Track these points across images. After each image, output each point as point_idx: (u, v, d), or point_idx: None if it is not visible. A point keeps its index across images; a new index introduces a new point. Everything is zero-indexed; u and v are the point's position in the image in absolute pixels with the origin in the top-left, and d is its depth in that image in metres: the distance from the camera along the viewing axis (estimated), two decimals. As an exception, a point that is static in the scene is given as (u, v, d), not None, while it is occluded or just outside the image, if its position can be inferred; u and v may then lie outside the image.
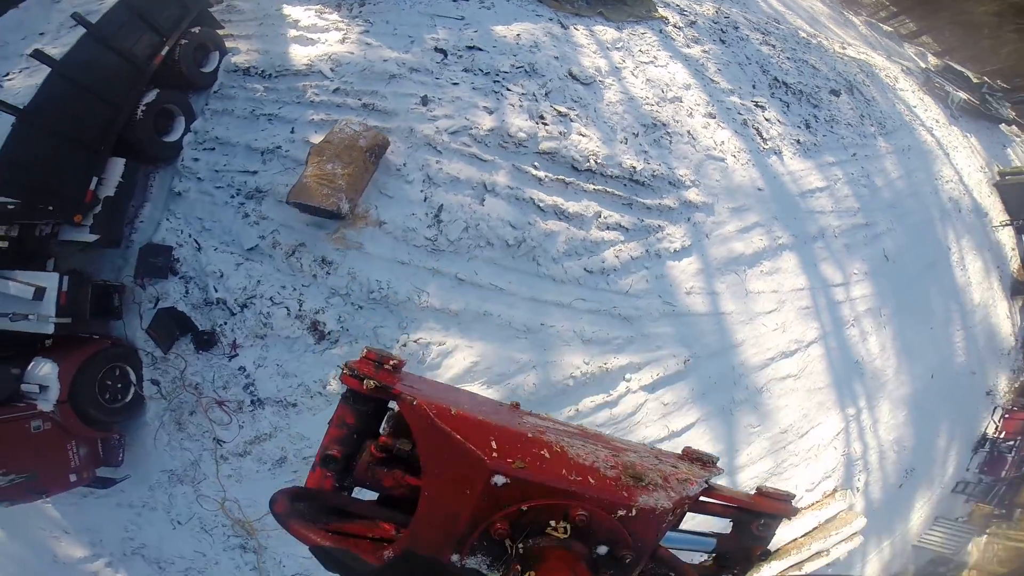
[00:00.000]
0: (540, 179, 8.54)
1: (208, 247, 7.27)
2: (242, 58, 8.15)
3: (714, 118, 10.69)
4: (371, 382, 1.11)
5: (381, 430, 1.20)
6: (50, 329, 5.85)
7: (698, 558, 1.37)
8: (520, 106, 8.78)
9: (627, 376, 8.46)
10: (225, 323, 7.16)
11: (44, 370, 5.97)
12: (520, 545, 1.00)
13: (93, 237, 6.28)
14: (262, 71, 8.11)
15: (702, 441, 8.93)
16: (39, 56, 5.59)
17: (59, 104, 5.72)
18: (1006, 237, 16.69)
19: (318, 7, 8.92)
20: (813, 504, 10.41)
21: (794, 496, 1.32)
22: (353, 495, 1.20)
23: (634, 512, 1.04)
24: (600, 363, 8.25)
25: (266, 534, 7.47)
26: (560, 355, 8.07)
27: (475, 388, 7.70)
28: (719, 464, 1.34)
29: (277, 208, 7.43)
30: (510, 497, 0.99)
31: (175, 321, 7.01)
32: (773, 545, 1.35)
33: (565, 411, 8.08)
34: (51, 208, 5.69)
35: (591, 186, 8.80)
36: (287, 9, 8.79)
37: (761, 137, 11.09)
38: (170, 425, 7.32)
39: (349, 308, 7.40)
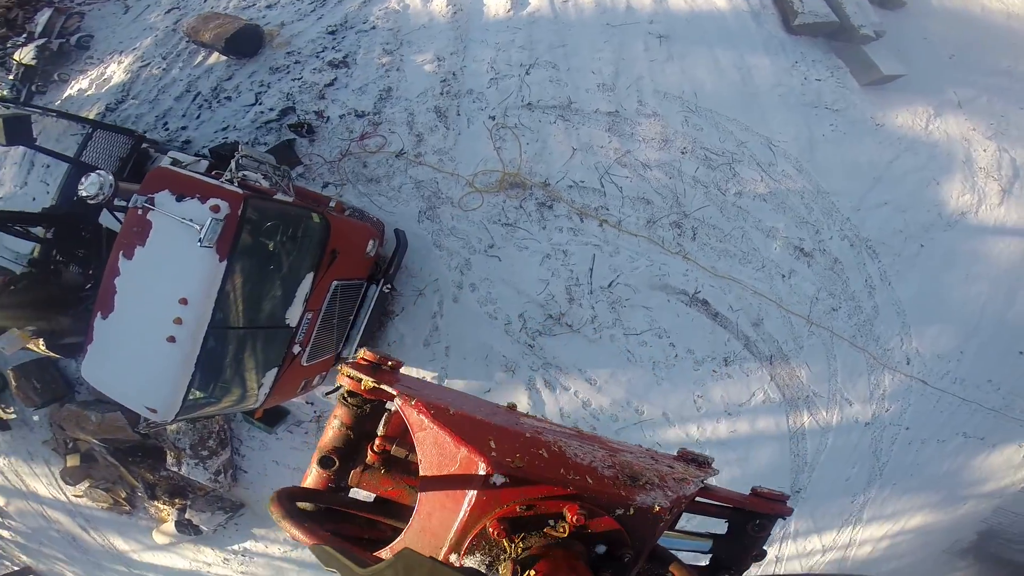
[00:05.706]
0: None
1: (240, 127, 8.44)
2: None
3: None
4: (368, 382, 1.11)
5: (379, 431, 1.22)
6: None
7: (694, 559, 1.37)
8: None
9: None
10: (299, 114, 8.26)
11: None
12: (519, 544, 0.99)
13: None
14: (120, 100, 9.41)
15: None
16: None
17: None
18: None
19: (79, 77, 9.80)
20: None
21: (788, 496, 1.30)
22: (351, 495, 1.23)
23: (632, 511, 1.04)
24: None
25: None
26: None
27: None
28: (713, 465, 1.31)
29: (234, 80, 8.82)
30: (508, 497, 0.99)
31: (280, 149, 7.94)
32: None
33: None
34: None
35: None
36: (70, 92, 9.82)
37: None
38: (368, 186, 7.98)
39: (336, 45, 8.87)
